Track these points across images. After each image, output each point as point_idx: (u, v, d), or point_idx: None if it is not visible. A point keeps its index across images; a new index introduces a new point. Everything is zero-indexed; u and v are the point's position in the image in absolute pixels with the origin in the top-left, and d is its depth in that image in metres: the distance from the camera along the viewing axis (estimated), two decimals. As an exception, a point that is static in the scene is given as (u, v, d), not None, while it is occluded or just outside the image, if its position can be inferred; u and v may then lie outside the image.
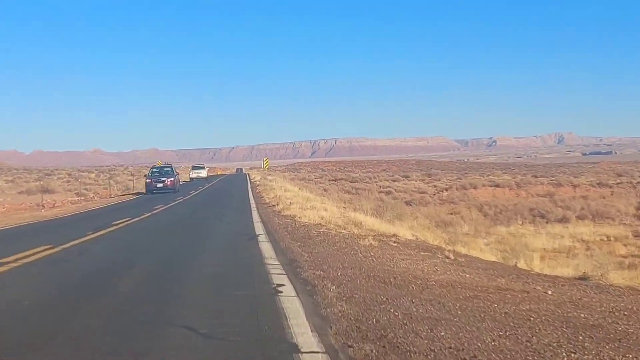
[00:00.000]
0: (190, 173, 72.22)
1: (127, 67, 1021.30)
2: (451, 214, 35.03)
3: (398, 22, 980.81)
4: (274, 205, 25.48)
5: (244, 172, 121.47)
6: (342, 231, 15.28)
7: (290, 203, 24.93)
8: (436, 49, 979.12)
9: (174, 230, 16.56)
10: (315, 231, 14.89)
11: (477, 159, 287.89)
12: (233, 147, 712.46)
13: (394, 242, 13.32)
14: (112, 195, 44.46)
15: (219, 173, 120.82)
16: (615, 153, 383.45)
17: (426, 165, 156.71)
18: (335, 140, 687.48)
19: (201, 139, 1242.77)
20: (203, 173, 71.15)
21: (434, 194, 73.29)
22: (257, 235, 13.83)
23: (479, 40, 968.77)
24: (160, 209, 25.35)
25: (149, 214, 22.61)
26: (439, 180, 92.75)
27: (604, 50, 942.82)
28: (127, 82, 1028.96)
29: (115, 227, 17.17)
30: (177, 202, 30.22)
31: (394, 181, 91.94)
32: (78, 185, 63.01)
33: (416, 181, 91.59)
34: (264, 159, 65.13)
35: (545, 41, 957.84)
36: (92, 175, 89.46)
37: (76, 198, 45.02)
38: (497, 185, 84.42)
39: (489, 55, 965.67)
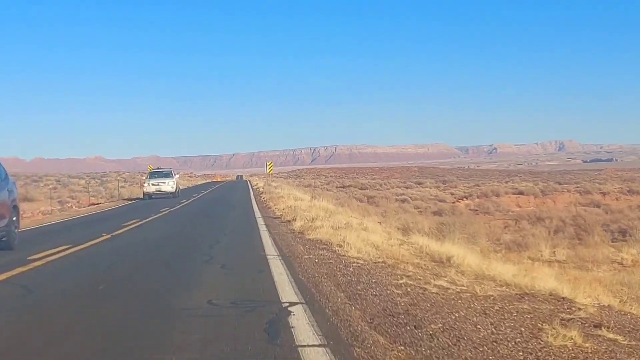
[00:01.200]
0: (145, 185, 39.14)
1: (127, 74, 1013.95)
2: (506, 227, 27.88)
3: (396, 29, 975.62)
4: (289, 222, 18.22)
5: (244, 179, 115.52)
6: (442, 284, 7.96)
7: (313, 218, 17.61)
8: (436, 54, 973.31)
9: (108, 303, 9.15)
10: (396, 287, 7.56)
11: (477, 166, 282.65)
12: (233, 154, 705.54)
13: (593, 325, 5.99)
14: (91, 204, 38.61)
15: (218, 180, 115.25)
16: (616, 160, 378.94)
17: (429, 172, 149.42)
18: (335, 147, 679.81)
19: (202, 146, 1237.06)
20: (168, 184, 38.42)
21: (454, 202, 66.54)
22: (287, 314, 5.93)
23: (479, 46, 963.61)
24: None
25: (121, 230, 15.28)
26: (455, 187, 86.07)
27: (607, 57, 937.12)
28: (127, 89, 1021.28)
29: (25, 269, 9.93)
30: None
31: (406, 188, 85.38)
32: (62, 192, 58.50)
33: (431, 188, 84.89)
34: (268, 163, 57.75)
35: (546, 48, 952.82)
36: (82, 182, 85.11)
37: (50, 208, 39.66)
38: (521, 193, 77.85)
39: (489, 62, 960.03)
